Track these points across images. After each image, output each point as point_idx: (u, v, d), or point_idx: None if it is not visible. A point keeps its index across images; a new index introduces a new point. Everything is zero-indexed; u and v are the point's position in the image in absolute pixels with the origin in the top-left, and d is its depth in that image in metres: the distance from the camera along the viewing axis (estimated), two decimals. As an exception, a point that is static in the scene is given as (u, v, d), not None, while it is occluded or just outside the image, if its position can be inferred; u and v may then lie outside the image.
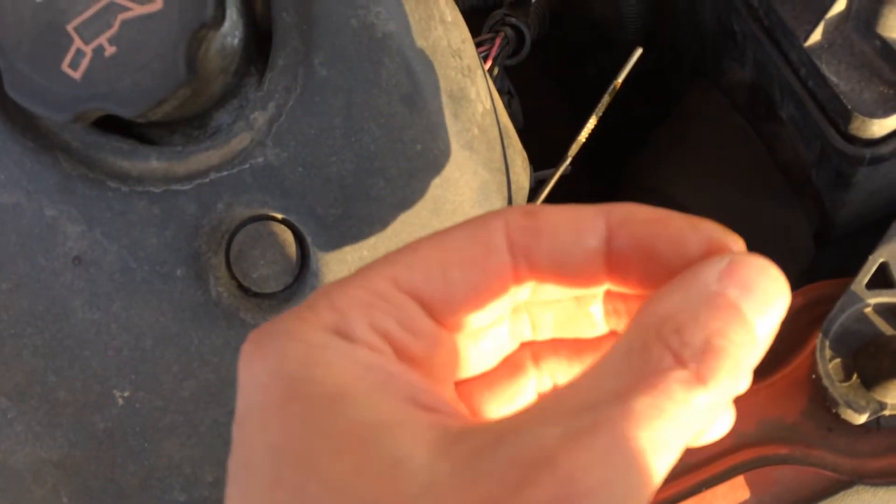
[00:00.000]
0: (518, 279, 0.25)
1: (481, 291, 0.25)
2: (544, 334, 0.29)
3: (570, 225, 0.25)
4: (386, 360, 0.24)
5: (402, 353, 0.24)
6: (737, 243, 0.25)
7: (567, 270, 0.25)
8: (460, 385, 0.28)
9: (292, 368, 0.22)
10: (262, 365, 0.23)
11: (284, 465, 0.21)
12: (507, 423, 0.21)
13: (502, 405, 0.29)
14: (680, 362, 0.21)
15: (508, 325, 0.28)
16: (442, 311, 0.25)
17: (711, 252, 0.24)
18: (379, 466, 0.20)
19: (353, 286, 0.24)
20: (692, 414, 0.21)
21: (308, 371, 0.22)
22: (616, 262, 0.25)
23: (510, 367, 0.29)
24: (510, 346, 0.29)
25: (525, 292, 0.26)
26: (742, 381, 0.23)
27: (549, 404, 0.21)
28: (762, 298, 0.23)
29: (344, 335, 0.23)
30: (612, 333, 0.29)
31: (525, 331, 0.29)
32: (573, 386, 0.22)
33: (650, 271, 0.25)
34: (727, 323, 0.22)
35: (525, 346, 0.29)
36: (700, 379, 0.21)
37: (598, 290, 0.27)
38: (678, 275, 0.24)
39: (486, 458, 0.20)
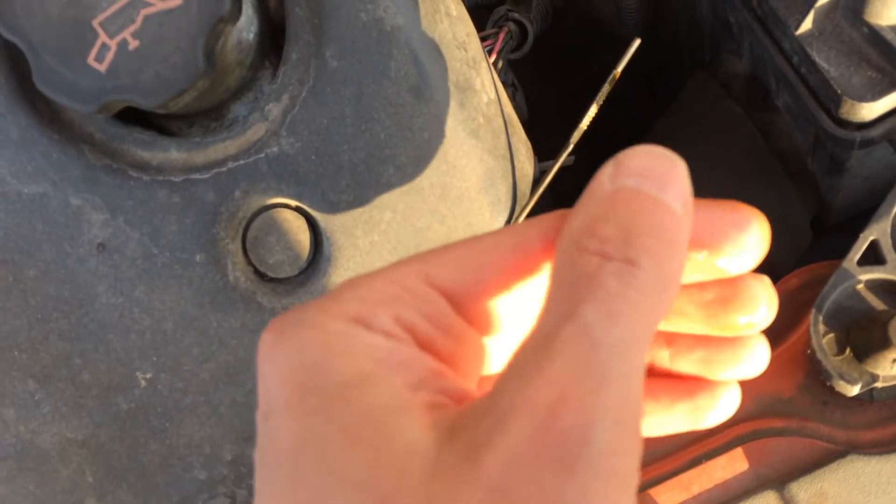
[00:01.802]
0: None
1: (514, 292, 0.25)
2: None
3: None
4: (404, 345, 0.24)
5: (425, 346, 0.24)
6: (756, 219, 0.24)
7: None
8: (485, 381, 0.28)
9: (311, 358, 0.23)
10: (282, 357, 0.23)
11: (305, 462, 0.21)
12: (489, 395, 0.21)
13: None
14: (606, 257, 0.21)
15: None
16: (471, 310, 0.25)
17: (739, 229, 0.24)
18: (390, 459, 0.21)
19: (381, 279, 0.24)
20: (643, 301, 0.21)
21: (326, 361, 0.22)
22: None
23: None
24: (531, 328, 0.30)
25: None
26: (678, 253, 0.22)
27: (514, 359, 0.22)
28: (658, 174, 0.23)
29: (364, 324, 0.23)
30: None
31: None
32: (532, 329, 0.22)
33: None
34: (634, 208, 0.22)
35: None
36: (631, 263, 0.21)
37: None
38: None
39: (478, 431, 0.20)
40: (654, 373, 0.29)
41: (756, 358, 0.28)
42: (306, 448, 0.22)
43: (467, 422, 0.21)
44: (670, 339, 0.29)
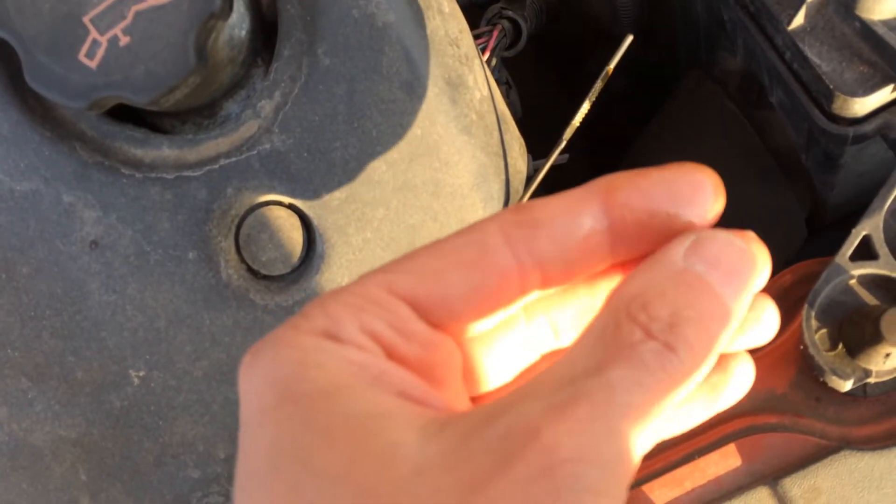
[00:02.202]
0: (523, 277, 0.25)
1: (480, 293, 0.25)
2: (567, 339, 0.29)
3: (564, 210, 0.25)
4: (376, 358, 0.24)
5: (392, 354, 0.25)
6: (710, 176, 0.25)
7: (571, 254, 0.25)
8: (479, 400, 0.28)
9: (285, 371, 0.23)
10: (257, 372, 0.23)
11: (281, 460, 0.22)
12: (492, 405, 0.22)
13: None
14: (649, 335, 0.22)
15: (525, 334, 0.29)
16: (439, 315, 0.25)
17: (696, 189, 0.24)
18: (371, 454, 0.21)
19: (346, 293, 0.25)
20: (668, 382, 0.22)
21: (301, 372, 0.23)
22: (617, 234, 0.25)
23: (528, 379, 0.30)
24: (529, 357, 0.29)
25: (534, 292, 0.26)
26: (715, 349, 0.23)
27: (531, 385, 0.22)
28: (729, 270, 0.23)
29: (333, 337, 0.24)
30: None
31: (547, 341, 0.29)
32: (553, 367, 0.23)
33: (652, 230, 0.25)
34: (694, 296, 0.23)
35: (546, 356, 0.30)
36: (670, 348, 0.22)
37: (613, 279, 0.27)
38: (647, 257, 0.24)
39: (474, 438, 0.21)
40: None
41: (765, 321, 0.28)
42: (283, 449, 0.22)
43: (462, 424, 0.22)
44: None
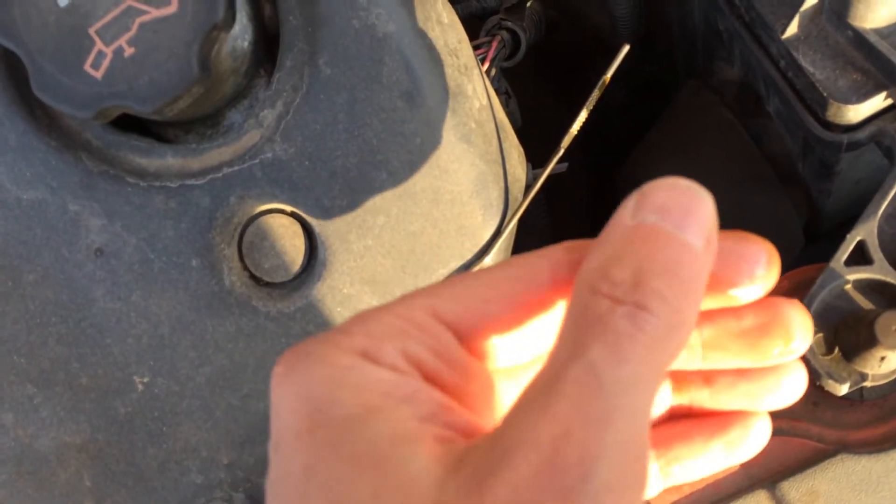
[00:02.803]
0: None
1: (523, 328, 0.25)
2: None
3: None
4: (411, 379, 0.24)
5: (432, 380, 0.24)
6: (767, 249, 0.24)
7: None
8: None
9: (319, 392, 0.23)
10: (291, 389, 0.23)
11: (310, 489, 0.22)
12: (497, 429, 0.21)
13: None
14: (617, 301, 0.21)
15: None
16: (480, 345, 0.25)
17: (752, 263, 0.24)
18: (394, 489, 0.21)
19: (390, 313, 0.24)
20: (652, 343, 0.21)
21: (334, 393, 0.23)
22: None
23: None
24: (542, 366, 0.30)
25: None
26: (693, 293, 0.22)
27: (524, 395, 0.22)
28: (682, 212, 0.22)
29: (371, 358, 0.23)
30: None
31: None
32: (542, 367, 0.22)
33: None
34: (652, 247, 0.22)
35: None
36: (641, 307, 0.21)
37: None
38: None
39: (484, 467, 0.20)
40: (692, 413, 0.29)
41: (796, 383, 0.28)
42: (312, 477, 0.22)
43: (474, 454, 0.21)
44: (708, 378, 0.29)
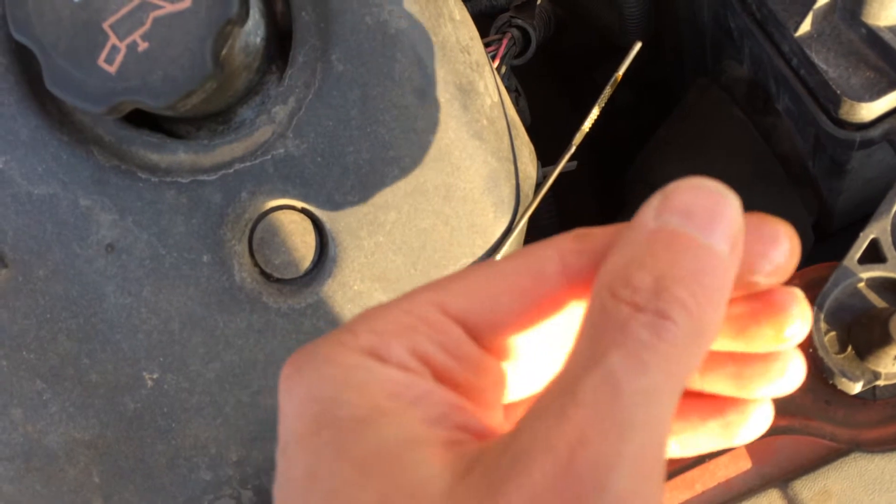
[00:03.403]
0: (577, 303, 0.25)
1: (531, 319, 0.25)
2: None
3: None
4: (421, 378, 0.23)
5: (443, 377, 0.24)
6: (787, 229, 0.23)
7: None
8: (511, 408, 0.28)
9: (325, 393, 0.22)
10: (298, 390, 0.23)
11: (315, 495, 0.21)
12: (511, 432, 0.21)
13: None
14: (637, 308, 0.21)
15: (565, 348, 0.28)
16: (489, 339, 0.25)
17: (772, 242, 0.23)
18: (403, 492, 0.20)
19: (396, 309, 0.24)
20: (673, 352, 0.20)
21: (341, 394, 0.22)
22: None
23: None
24: (557, 366, 0.29)
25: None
26: (717, 300, 0.21)
27: (540, 399, 0.21)
28: (706, 215, 0.22)
29: (379, 357, 0.23)
30: None
31: None
32: (559, 371, 0.21)
33: None
34: (675, 252, 0.21)
35: None
36: (662, 315, 0.20)
37: None
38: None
39: (496, 474, 0.20)
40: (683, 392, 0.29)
41: (791, 373, 0.27)
42: (317, 482, 0.21)
43: (486, 458, 0.21)
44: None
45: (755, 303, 0.25)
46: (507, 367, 0.26)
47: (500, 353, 0.25)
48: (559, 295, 0.24)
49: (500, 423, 0.26)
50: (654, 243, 0.22)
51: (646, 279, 0.21)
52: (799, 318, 0.25)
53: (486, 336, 0.25)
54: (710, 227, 0.22)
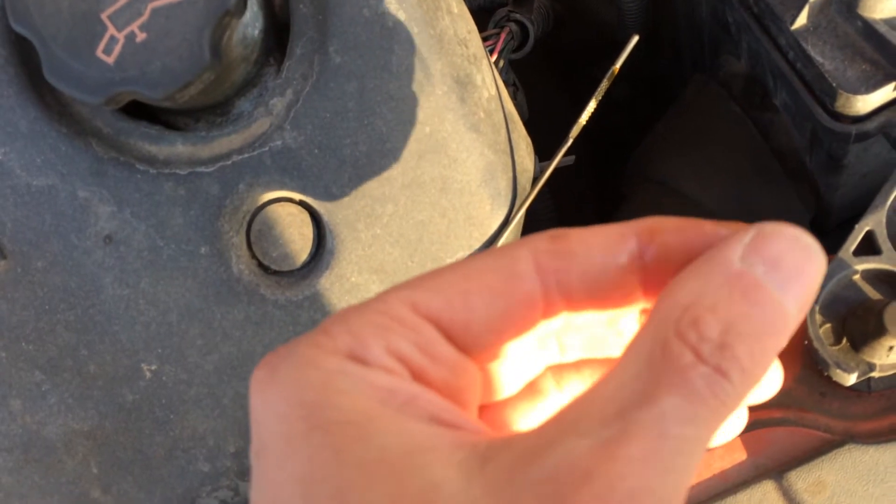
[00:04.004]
0: (549, 306, 0.25)
1: (505, 319, 0.24)
2: (572, 355, 0.29)
3: (599, 243, 0.24)
4: (404, 381, 0.23)
5: (420, 378, 0.24)
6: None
7: (601, 291, 0.24)
8: (483, 409, 0.28)
9: (311, 396, 0.22)
10: (278, 394, 0.22)
11: (316, 497, 0.21)
12: (535, 437, 0.21)
13: (523, 429, 0.28)
14: (700, 358, 0.20)
15: (535, 351, 0.28)
16: (463, 338, 0.24)
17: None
18: (413, 495, 0.20)
19: (370, 310, 0.24)
20: (720, 410, 0.21)
21: (327, 398, 0.22)
22: (651, 276, 0.24)
23: (532, 391, 0.29)
24: (535, 371, 0.29)
25: (558, 320, 0.25)
26: (769, 365, 0.21)
27: (576, 414, 0.21)
28: (792, 272, 0.21)
29: (359, 360, 0.23)
30: None
31: (552, 354, 0.29)
32: (597, 392, 0.21)
33: None
34: (750, 305, 0.21)
35: (550, 369, 0.29)
36: (721, 373, 0.20)
37: (633, 308, 0.26)
38: (701, 255, 0.22)
39: (519, 477, 0.20)
40: None
41: (767, 382, 0.27)
42: (316, 483, 0.21)
43: (505, 457, 0.21)
44: None
45: None
46: (483, 367, 0.26)
47: (474, 353, 0.25)
48: (533, 295, 0.24)
49: (476, 422, 0.26)
50: (732, 288, 0.21)
51: (714, 329, 0.21)
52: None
53: (459, 335, 0.24)
54: (790, 285, 0.21)
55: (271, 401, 0.22)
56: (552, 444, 0.20)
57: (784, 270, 0.21)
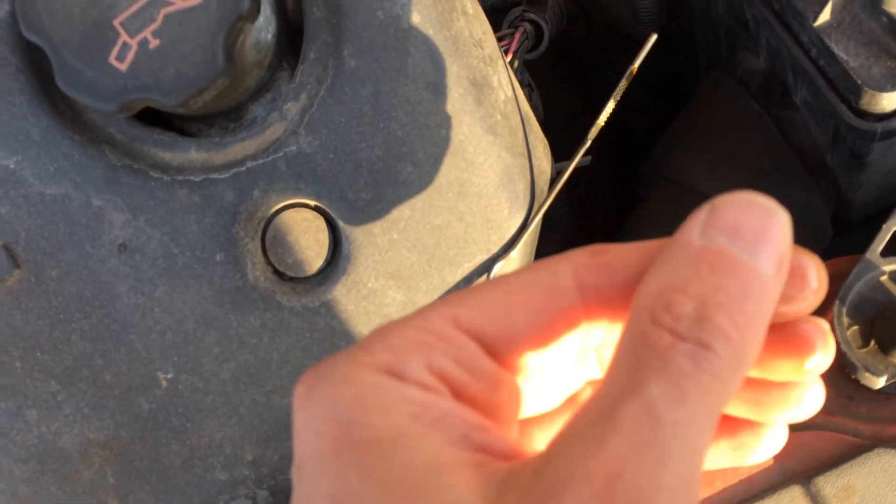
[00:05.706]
0: (589, 321, 0.25)
1: (546, 334, 0.24)
2: None
3: (639, 258, 0.24)
4: (440, 398, 0.23)
5: (460, 394, 0.24)
6: (814, 262, 0.23)
7: None
8: (522, 424, 0.28)
9: (345, 414, 0.22)
10: (315, 410, 0.23)
11: None
12: (543, 454, 0.21)
13: None
14: (678, 337, 0.20)
15: (575, 365, 0.28)
16: (504, 353, 0.24)
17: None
18: None
19: (410, 326, 0.24)
20: (713, 383, 0.20)
21: (361, 415, 0.22)
22: None
23: (572, 406, 0.29)
24: (575, 385, 0.29)
25: (598, 335, 0.25)
26: (759, 327, 0.21)
27: (574, 421, 0.21)
28: (755, 233, 0.21)
29: (396, 375, 0.23)
30: None
31: (592, 369, 0.29)
32: (593, 394, 0.21)
33: None
34: (720, 275, 0.21)
35: (589, 383, 0.29)
36: (704, 346, 0.20)
37: None
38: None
39: (530, 499, 0.20)
40: None
41: (808, 401, 0.26)
42: (341, 502, 0.21)
43: (518, 483, 0.20)
44: None
45: (778, 333, 0.25)
46: (523, 382, 0.26)
47: (515, 369, 0.25)
48: (573, 310, 0.24)
49: (516, 439, 0.26)
50: (697, 264, 0.21)
51: (687, 306, 0.21)
52: (821, 352, 0.24)
53: (501, 351, 0.24)
54: (758, 246, 0.21)
55: (309, 417, 0.23)
56: (553, 457, 0.20)
57: (747, 234, 0.21)
